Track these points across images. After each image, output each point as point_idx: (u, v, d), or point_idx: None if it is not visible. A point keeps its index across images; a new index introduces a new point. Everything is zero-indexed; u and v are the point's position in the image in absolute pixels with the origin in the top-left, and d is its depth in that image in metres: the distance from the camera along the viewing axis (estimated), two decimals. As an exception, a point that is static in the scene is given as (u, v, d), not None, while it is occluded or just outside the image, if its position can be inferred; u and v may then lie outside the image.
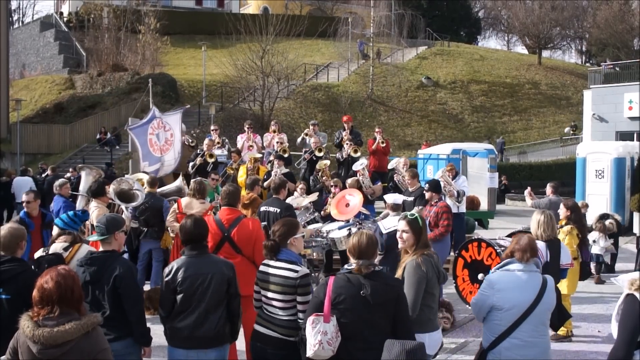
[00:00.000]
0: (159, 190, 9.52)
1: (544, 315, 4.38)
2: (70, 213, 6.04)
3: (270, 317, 4.51)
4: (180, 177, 10.54)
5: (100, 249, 4.77)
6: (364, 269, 3.95)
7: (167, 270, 4.70)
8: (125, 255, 9.92)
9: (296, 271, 4.44)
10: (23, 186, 15.33)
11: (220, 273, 4.65)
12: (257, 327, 4.60)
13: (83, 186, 9.28)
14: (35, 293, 3.32)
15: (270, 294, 4.51)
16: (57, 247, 5.42)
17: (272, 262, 4.59)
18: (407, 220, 4.66)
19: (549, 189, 10.31)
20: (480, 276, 7.86)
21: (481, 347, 4.47)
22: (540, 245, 6.20)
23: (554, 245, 6.35)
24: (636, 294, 3.80)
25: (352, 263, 4.03)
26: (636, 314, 3.76)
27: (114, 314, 4.43)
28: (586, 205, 12.64)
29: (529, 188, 10.61)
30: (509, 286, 4.33)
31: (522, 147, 35.90)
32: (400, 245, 4.70)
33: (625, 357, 3.79)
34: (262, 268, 4.64)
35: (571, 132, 36.36)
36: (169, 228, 8.49)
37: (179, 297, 4.58)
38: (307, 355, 3.90)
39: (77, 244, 5.44)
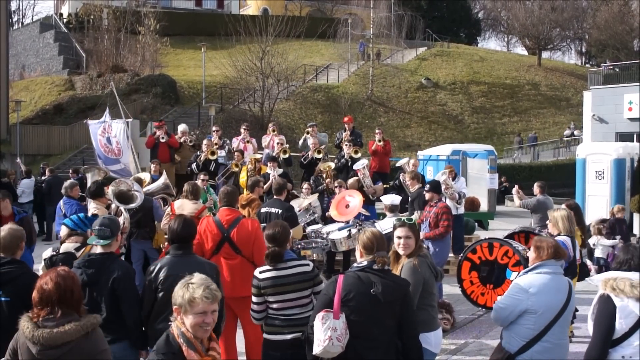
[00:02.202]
0: (144, 189, 9.46)
1: (570, 316, 4.39)
2: (81, 215, 6.05)
3: (294, 320, 4.50)
4: (164, 174, 10.51)
5: (99, 250, 4.74)
6: (386, 259, 4.01)
7: (150, 268, 4.70)
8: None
9: (308, 264, 4.63)
10: (27, 187, 15.51)
11: (203, 273, 4.62)
12: (271, 337, 4.55)
13: None
14: (35, 294, 3.32)
15: (290, 296, 4.50)
16: (68, 247, 5.41)
17: (279, 265, 4.57)
18: (408, 226, 4.63)
19: (536, 188, 10.25)
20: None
21: (503, 352, 4.38)
22: (568, 240, 6.25)
23: (572, 242, 6.43)
24: (610, 293, 3.83)
25: (364, 260, 4.02)
26: (610, 313, 3.80)
27: (110, 317, 4.41)
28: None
29: (516, 187, 10.56)
30: (543, 289, 4.27)
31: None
32: (402, 252, 4.65)
33: (600, 356, 3.83)
34: (266, 274, 4.56)
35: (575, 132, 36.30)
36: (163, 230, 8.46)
37: (159, 296, 4.55)
38: (314, 352, 3.89)
39: (89, 245, 5.43)
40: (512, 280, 7.50)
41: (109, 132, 12.16)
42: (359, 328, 3.87)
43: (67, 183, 9.74)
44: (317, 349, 3.85)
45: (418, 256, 4.57)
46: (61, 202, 9.34)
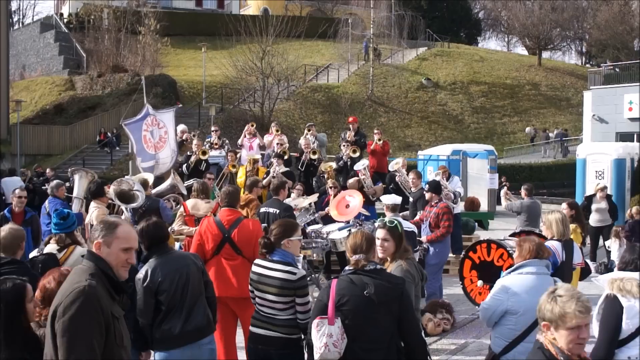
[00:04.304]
0: (153, 191, 9.48)
1: None
2: (54, 218, 5.93)
3: (270, 318, 4.49)
4: (172, 174, 10.51)
5: None
6: (363, 260, 3.93)
7: (141, 275, 4.59)
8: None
9: (294, 273, 4.43)
10: (11, 186, 15.23)
11: (194, 264, 4.70)
12: (255, 330, 4.57)
13: (77, 189, 9.24)
14: (37, 293, 3.34)
15: (269, 297, 4.48)
16: (51, 247, 5.41)
17: (267, 264, 4.54)
18: (387, 228, 4.56)
19: (523, 191, 10.21)
20: (479, 283, 7.86)
21: (490, 352, 4.40)
22: (557, 244, 6.20)
23: (568, 245, 6.36)
24: (617, 294, 3.83)
25: (352, 260, 4.00)
26: (617, 313, 3.80)
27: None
28: None
29: (504, 188, 10.52)
30: (524, 289, 4.26)
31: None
32: (380, 255, 4.56)
33: (606, 356, 3.83)
34: (256, 269, 4.59)
35: (533, 132, 36.44)
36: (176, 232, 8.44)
37: (162, 297, 4.53)
38: (316, 359, 3.88)
39: (72, 245, 5.40)
40: None
41: (155, 124, 12.03)
42: (356, 331, 3.83)
43: (52, 183, 9.74)
44: (316, 357, 3.85)
45: (406, 259, 4.53)
46: (46, 201, 9.36)
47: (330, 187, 10.35)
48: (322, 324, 3.82)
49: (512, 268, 4.46)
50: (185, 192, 10.03)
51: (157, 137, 11.89)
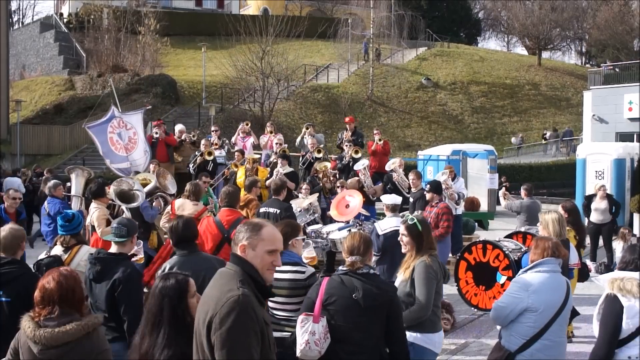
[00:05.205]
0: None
1: (568, 314, 4.40)
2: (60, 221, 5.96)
3: (285, 320, 4.45)
4: (155, 174, 10.49)
5: (112, 250, 4.76)
6: (359, 263, 3.93)
7: (159, 272, 4.65)
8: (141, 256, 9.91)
9: (303, 272, 4.44)
10: (11, 187, 15.28)
11: (213, 269, 4.58)
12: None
13: (75, 188, 9.23)
14: (36, 293, 3.33)
15: (280, 299, 4.45)
16: (57, 249, 5.43)
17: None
18: (405, 225, 4.69)
19: (522, 191, 10.22)
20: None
21: (502, 351, 4.37)
22: None
23: (564, 245, 6.38)
24: (617, 293, 3.84)
25: (347, 261, 4.02)
26: (617, 313, 3.81)
27: (112, 315, 4.42)
28: None
29: (503, 189, 10.53)
30: (543, 287, 4.28)
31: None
32: (403, 250, 4.76)
33: (606, 355, 3.84)
34: None
35: (519, 141, 36.12)
36: (162, 229, 8.47)
37: None
38: (297, 355, 3.88)
39: (77, 245, 5.41)
40: (501, 284, 7.57)
41: (122, 126, 12.06)
42: (340, 333, 3.81)
43: (50, 183, 9.73)
44: (298, 353, 3.85)
45: (430, 256, 4.58)
46: (45, 202, 9.36)
47: (339, 187, 10.36)
48: (307, 320, 3.82)
49: (529, 266, 4.47)
50: (173, 192, 10.02)
51: (126, 138, 11.95)
